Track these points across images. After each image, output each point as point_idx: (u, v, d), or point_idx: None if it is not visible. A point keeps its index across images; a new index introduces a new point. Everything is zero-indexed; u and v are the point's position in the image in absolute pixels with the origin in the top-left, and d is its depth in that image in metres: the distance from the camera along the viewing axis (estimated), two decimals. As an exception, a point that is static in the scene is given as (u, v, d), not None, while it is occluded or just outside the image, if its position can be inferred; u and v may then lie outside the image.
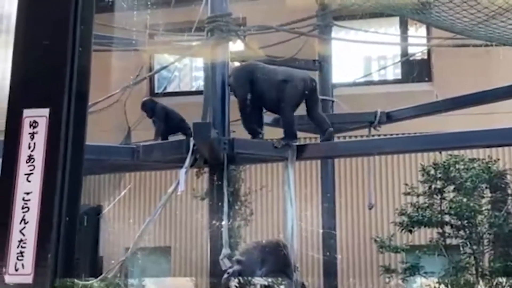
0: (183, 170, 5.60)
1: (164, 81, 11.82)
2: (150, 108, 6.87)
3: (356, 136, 9.71)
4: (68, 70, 1.84)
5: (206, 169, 6.37)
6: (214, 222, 6.10)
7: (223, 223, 6.05)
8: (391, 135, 9.24)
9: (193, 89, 12.03)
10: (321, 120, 6.21)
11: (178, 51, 7.61)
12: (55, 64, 1.86)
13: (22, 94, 1.86)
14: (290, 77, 6.08)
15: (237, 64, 7.14)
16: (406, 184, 7.78)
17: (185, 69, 12.57)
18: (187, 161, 5.65)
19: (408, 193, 7.59)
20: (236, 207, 6.74)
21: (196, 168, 6.35)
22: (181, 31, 9.27)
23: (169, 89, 12.03)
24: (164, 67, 8.78)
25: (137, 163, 6.39)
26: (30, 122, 1.83)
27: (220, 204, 6.07)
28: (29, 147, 1.82)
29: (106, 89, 7.82)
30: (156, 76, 11.49)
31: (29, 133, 1.83)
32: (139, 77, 8.26)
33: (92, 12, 1.99)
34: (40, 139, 1.82)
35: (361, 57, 11.27)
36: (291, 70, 6.28)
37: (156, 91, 11.79)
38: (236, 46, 7.80)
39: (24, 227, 1.77)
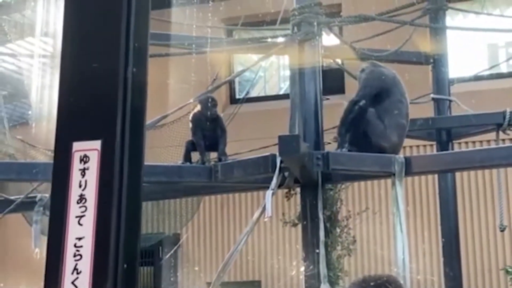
0: (269, 192, 5.64)
1: (246, 84, 11.97)
2: None
3: (481, 142, 9.54)
4: (121, 95, 1.92)
5: (297, 190, 6.41)
6: (309, 252, 6.12)
7: (320, 253, 6.06)
8: (525, 140, 9.03)
9: (281, 92, 12.12)
10: None
11: (260, 49, 7.69)
12: (106, 89, 1.94)
13: (71, 125, 1.95)
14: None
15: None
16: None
17: (272, 68, 12.68)
18: (274, 181, 5.68)
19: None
20: (335, 234, 6.74)
21: (285, 189, 6.41)
22: (263, 24, 9.39)
23: (253, 94, 12.18)
24: (244, 70, 8.89)
25: (216, 185, 6.50)
26: (81, 156, 1.92)
27: (315, 230, 6.09)
28: (80, 186, 1.90)
29: (177, 99, 8.02)
30: (237, 79, 11.65)
31: (80, 169, 1.91)
32: (216, 82, 8.41)
33: (147, 26, 2.06)
34: (92, 175, 1.90)
35: (484, 45, 11.04)
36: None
37: (237, 96, 11.97)
38: (331, 40, 7.84)
39: (77, 278, 1.85)
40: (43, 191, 6.86)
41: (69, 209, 1.88)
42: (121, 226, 1.84)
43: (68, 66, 1.99)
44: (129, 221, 1.86)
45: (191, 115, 6.51)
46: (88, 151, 1.90)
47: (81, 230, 1.86)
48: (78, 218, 1.87)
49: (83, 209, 1.87)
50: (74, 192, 1.88)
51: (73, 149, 1.91)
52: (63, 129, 1.94)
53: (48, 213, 6.55)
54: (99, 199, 1.86)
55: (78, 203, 1.88)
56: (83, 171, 1.89)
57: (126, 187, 1.86)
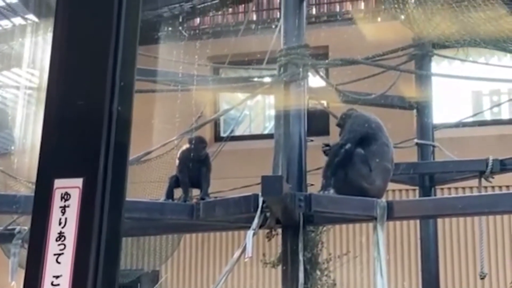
0: (250, 232, 5.61)
1: (231, 122, 11.98)
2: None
3: (463, 189, 9.57)
4: (105, 134, 1.92)
5: (279, 230, 6.40)
6: (288, 294, 6.09)
7: (299, 296, 6.03)
8: (507, 188, 9.07)
9: (266, 131, 12.13)
10: None
11: (246, 89, 7.73)
12: (90, 127, 1.94)
13: (53, 162, 1.95)
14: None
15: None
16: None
17: (257, 107, 12.72)
18: (255, 221, 5.66)
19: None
20: (315, 276, 6.71)
21: (267, 229, 6.39)
22: (250, 64, 9.44)
23: (238, 132, 12.18)
24: (229, 109, 8.92)
25: (198, 223, 6.48)
26: (62, 194, 1.91)
27: (295, 272, 6.07)
28: (60, 223, 1.90)
29: (161, 135, 8.01)
30: (222, 116, 11.66)
31: (60, 207, 1.91)
32: (201, 119, 8.43)
33: (133, 64, 2.08)
34: (72, 213, 1.89)
35: (468, 92, 11.14)
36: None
37: (222, 134, 11.98)
38: (317, 81, 7.89)
39: (53, 317, 1.84)
40: (23, 224, 6.80)
41: (47, 246, 1.87)
42: (100, 266, 1.83)
43: (53, 103, 1.99)
44: (107, 261, 1.85)
45: (179, 152, 6.50)
46: (69, 189, 1.90)
47: (58, 268, 1.85)
48: (56, 256, 1.86)
49: (62, 247, 1.87)
50: (54, 230, 1.88)
51: (55, 186, 1.91)
52: (45, 166, 1.94)
53: (26, 246, 6.48)
54: (79, 238, 1.85)
55: (57, 240, 1.87)
56: (64, 209, 1.89)
57: (106, 227, 1.85)
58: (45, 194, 1.91)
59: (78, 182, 1.90)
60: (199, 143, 6.38)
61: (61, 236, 1.88)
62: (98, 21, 2.10)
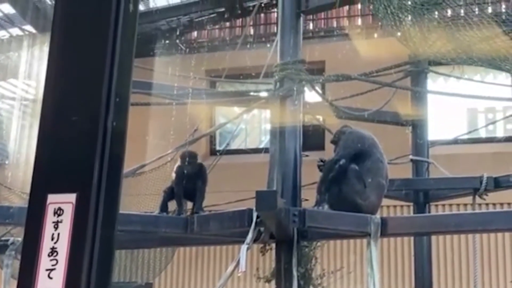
0: (244, 246, 5.60)
1: (227, 135, 11.98)
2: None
3: (458, 206, 9.57)
4: (99, 150, 1.92)
5: (273, 245, 6.39)
6: (282, 309, 6.07)
7: (292, 311, 6.02)
8: (501, 205, 9.07)
9: (262, 145, 12.12)
10: None
11: (242, 103, 7.73)
12: (84, 143, 1.94)
13: (47, 177, 1.94)
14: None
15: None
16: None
17: (253, 121, 12.71)
18: (249, 236, 5.65)
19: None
20: (309, 292, 6.71)
21: (261, 244, 6.38)
22: (246, 78, 9.46)
23: (234, 145, 12.17)
24: (225, 123, 8.93)
25: (192, 236, 6.46)
26: (55, 209, 1.91)
27: (288, 287, 6.06)
28: (52, 238, 1.89)
29: (157, 148, 8.01)
30: (218, 130, 11.66)
31: (53, 222, 1.90)
32: (197, 132, 8.43)
33: (129, 80, 2.08)
34: (65, 229, 1.89)
35: (464, 109, 11.17)
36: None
37: (217, 148, 11.97)
38: (313, 96, 7.91)
39: (44, 333, 1.83)
40: (17, 235, 6.78)
41: (39, 261, 1.86)
42: (92, 282, 1.83)
43: (48, 117, 1.99)
44: (100, 276, 1.84)
45: (175, 166, 6.50)
46: (62, 204, 1.89)
47: (50, 284, 1.84)
48: (48, 271, 1.86)
49: (54, 262, 1.86)
50: (46, 245, 1.87)
51: (48, 201, 1.90)
52: (39, 181, 1.94)
53: (19, 257, 6.47)
54: (71, 253, 1.85)
55: (49, 256, 1.87)
56: (56, 224, 1.89)
57: (99, 242, 1.85)
58: (38, 209, 1.91)
59: (71, 197, 1.90)
60: (189, 158, 6.37)
61: (53, 251, 1.88)
62: (95, 35, 2.11)
